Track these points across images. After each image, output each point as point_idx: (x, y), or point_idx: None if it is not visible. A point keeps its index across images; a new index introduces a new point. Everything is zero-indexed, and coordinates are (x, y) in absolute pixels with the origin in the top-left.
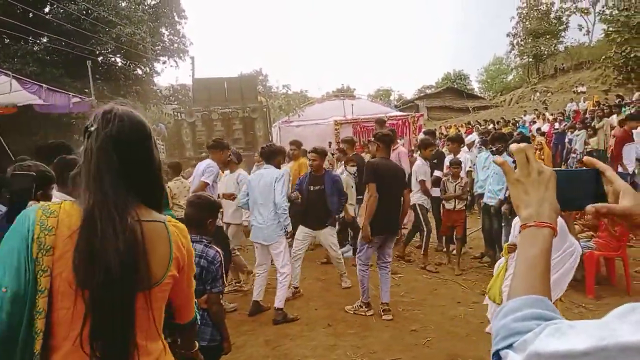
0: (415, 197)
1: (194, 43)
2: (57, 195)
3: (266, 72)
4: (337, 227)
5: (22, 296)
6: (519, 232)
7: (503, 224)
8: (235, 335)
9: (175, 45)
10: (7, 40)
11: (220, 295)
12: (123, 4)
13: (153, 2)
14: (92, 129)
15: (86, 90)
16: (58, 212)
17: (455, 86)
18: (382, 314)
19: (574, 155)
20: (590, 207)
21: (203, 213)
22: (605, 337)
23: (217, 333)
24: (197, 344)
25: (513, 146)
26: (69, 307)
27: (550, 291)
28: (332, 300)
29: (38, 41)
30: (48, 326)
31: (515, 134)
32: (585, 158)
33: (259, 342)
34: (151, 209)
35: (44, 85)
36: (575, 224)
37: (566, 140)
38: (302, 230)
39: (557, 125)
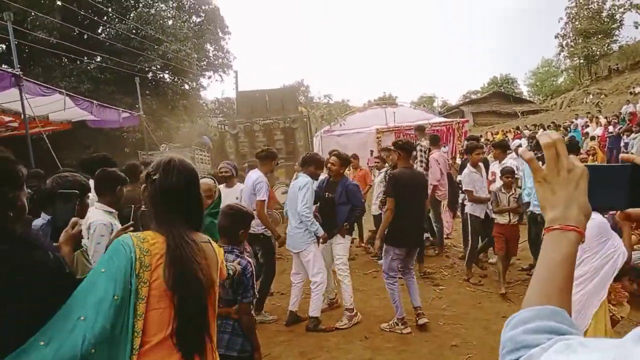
0: (467, 206)
1: (237, 57)
2: (96, 205)
3: (308, 83)
4: (347, 237)
5: (127, 302)
6: (543, 234)
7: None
8: (270, 346)
9: (220, 60)
10: (65, 60)
11: (251, 306)
12: (169, 22)
13: (198, 20)
14: (155, 177)
15: (137, 106)
16: (147, 239)
17: (502, 90)
18: (417, 318)
19: None
20: (619, 214)
21: (236, 224)
22: (617, 358)
23: (248, 344)
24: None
25: (542, 139)
26: (163, 307)
27: (570, 302)
28: (370, 312)
29: (92, 61)
30: (143, 326)
31: (567, 138)
32: (623, 154)
33: (294, 353)
34: (196, 230)
35: (95, 101)
36: (633, 234)
37: (622, 144)
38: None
39: (611, 128)
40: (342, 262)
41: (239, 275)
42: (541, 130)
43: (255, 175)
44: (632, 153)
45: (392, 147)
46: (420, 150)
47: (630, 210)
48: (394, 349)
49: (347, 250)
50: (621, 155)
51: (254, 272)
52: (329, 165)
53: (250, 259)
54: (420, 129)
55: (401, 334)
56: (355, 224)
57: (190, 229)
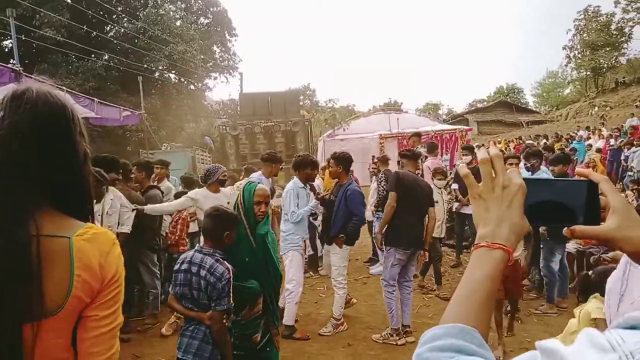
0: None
1: (243, 60)
2: None
3: (314, 87)
4: (345, 247)
5: None
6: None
7: (541, 246)
8: None
9: (226, 62)
10: (72, 58)
11: (225, 315)
12: (177, 23)
13: (206, 21)
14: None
15: (141, 105)
16: None
17: (508, 100)
18: (404, 335)
19: (630, 173)
20: (566, 230)
21: (220, 226)
22: None
23: (218, 352)
24: None
25: (479, 154)
26: None
27: (488, 321)
28: (357, 319)
29: (99, 59)
30: None
31: (569, 149)
32: (578, 169)
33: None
34: (71, 215)
35: (95, 99)
36: None
37: (622, 157)
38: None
39: (612, 141)
40: (339, 272)
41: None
42: (544, 140)
43: (255, 175)
44: (632, 166)
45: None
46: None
47: (575, 227)
48: (377, 356)
49: (344, 261)
50: (577, 169)
51: (230, 279)
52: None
53: (229, 266)
54: (416, 136)
55: (396, 345)
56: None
57: (45, 210)
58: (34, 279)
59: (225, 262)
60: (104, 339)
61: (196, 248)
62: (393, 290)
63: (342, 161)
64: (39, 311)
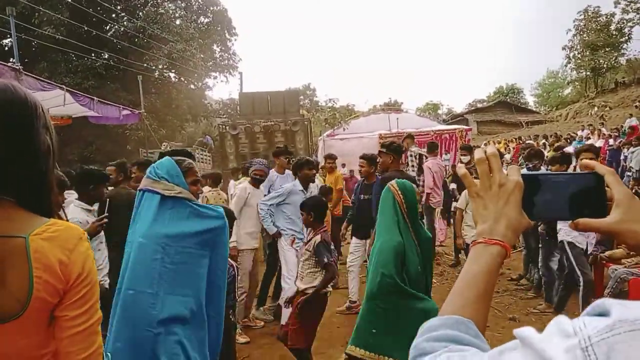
0: (562, 232)
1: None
2: (75, 203)
3: (314, 86)
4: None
5: None
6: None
7: (540, 245)
8: (252, 348)
9: (226, 61)
10: (72, 56)
11: (230, 310)
12: (177, 22)
13: (206, 20)
14: None
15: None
16: None
17: (508, 100)
18: None
19: (629, 173)
20: (570, 223)
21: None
22: None
23: (224, 346)
24: None
25: (476, 153)
26: None
27: (485, 314)
28: (355, 317)
29: (98, 58)
30: None
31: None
32: (583, 161)
33: (274, 357)
34: (32, 211)
35: (95, 98)
36: (620, 247)
37: (621, 157)
38: (353, 242)
39: (611, 141)
40: (357, 262)
41: None
42: (543, 140)
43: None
44: (630, 167)
45: (384, 150)
46: (411, 156)
47: (579, 220)
48: None
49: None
50: (583, 160)
51: (235, 276)
52: (359, 168)
53: (233, 263)
54: (409, 137)
55: None
56: None
57: (3, 204)
58: None
59: (228, 259)
60: (79, 338)
61: None
62: None
63: (395, 151)
64: None
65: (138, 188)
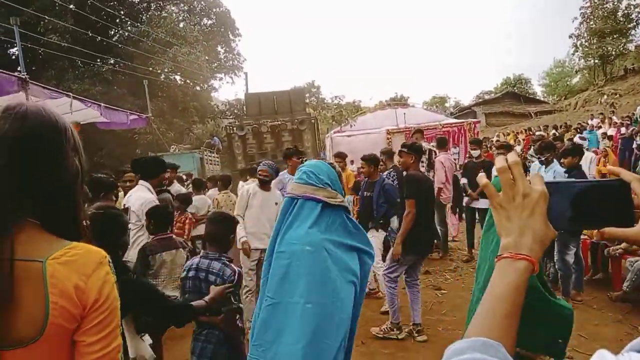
0: None
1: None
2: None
3: (319, 83)
4: (380, 231)
5: None
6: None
7: (555, 238)
8: None
9: (230, 62)
10: (78, 63)
11: (237, 315)
12: (180, 25)
13: (209, 22)
14: None
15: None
16: None
17: (516, 91)
18: (416, 335)
19: None
20: (596, 232)
21: (227, 231)
22: None
23: (233, 355)
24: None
25: (497, 162)
26: None
27: (514, 335)
28: (370, 317)
29: (104, 64)
30: None
31: (577, 140)
32: (609, 167)
33: None
34: (59, 234)
35: (102, 104)
36: None
37: (634, 145)
38: None
39: (623, 130)
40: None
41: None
42: (553, 130)
43: (282, 175)
44: None
45: (405, 150)
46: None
47: (605, 229)
48: (391, 355)
49: (379, 244)
50: (608, 166)
51: (240, 282)
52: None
53: (235, 268)
54: (418, 132)
55: (397, 339)
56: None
57: (26, 228)
58: (4, 307)
59: (232, 264)
60: None
61: (200, 254)
62: (396, 285)
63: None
64: (12, 339)
65: (289, 194)
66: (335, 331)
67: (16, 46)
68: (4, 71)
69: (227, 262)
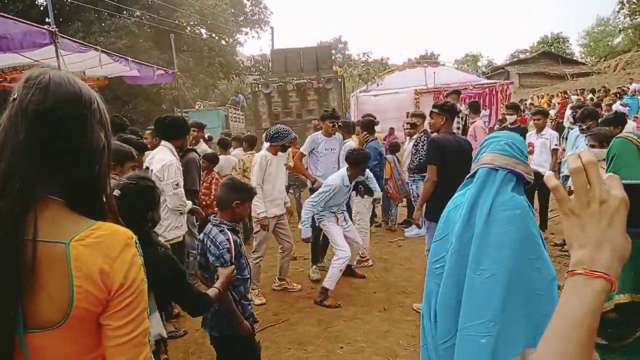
0: None
1: (274, 12)
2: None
3: (345, 39)
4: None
5: None
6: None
7: None
8: (290, 312)
9: (257, 15)
10: (105, 14)
11: (231, 282)
12: None
13: None
14: (12, 97)
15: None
16: None
17: (553, 50)
18: None
19: None
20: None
21: (230, 195)
22: None
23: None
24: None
25: (570, 161)
26: None
27: None
28: (392, 283)
29: (130, 16)
30: None
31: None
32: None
33: (312, 322)
34: (83, 213)
35: (129, 58)
36: None
37: None
38: (359, 201)
39: None
40: (361, 218)
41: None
42: (590, 94)
43: (316, 136)
44: None
45: (436, 110)
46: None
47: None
48: (413, 322)
49: (363, 208)
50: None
51: (231, 250)
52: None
53: (231, 236)
54: (455, 93)
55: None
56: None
57: (49, 205)
58: (27, 289)
59: (229, 232)
60: (124, 348)
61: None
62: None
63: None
64: (37, 322)
65: (486, 164)
66: (551, 290)
67: None
68: (35, 24)
69: (226, 230)
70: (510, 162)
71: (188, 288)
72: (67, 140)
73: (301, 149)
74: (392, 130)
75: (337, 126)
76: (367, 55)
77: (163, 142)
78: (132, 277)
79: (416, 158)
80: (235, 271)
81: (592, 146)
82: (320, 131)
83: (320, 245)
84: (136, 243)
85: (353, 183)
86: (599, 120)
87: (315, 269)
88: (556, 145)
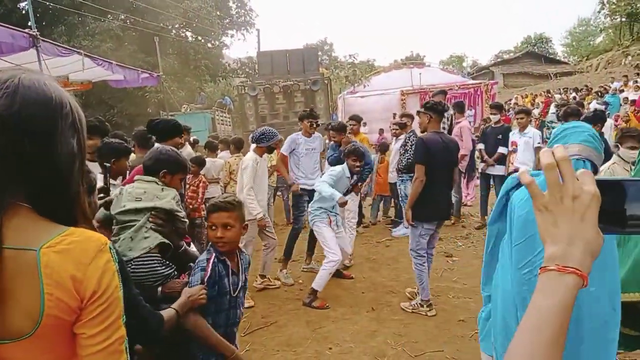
0: None
1: (260, 15)
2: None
3: (331, 41)
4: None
5: None
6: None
7: None
8: (278, 314)
9: (242, 18)
10: (89, 18)
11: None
12: None
13: None
14: None
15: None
16: None
17: (536, 50)
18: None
19: None
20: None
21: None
22: None
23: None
24: None
25: (543, 157)
26: None
27: (560, 359)
28: (380, 283)
29: (114, 20)
30: None
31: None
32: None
33: (301, 323)
34: (53, 219)
35: (113, 61)
36: None
37: None
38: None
39: None
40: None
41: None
42: (573, 94)
43: (293, 137)
44: None
45: (422, 110)
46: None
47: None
48: (400, 321)
49: (354, 206)
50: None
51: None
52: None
53: (219, 265)
54: (442, 93)
55: (426, 315)
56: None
57: (18, 210)
58: None
59: (213, 254)
60: (99, 357)
61: None
62: (423, 262)
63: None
64: (6, 332)
65: (575, 155)
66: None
67: (25, 0)
68: (15, 28)
69: (212, 251)
70: (593, 155)
71: (141, 306)
72: (34, 145)
73: (281, 150)
74: (381, 131)
75: (315, 125)
76: (354, 57)
77: (157, 145)
78: (106, 284)
79: (404, 158)
80: (205, 297)
81: None
82: (299, 132)
83: (309, 242)
84: (110, 249)
85: (353, 179)
86: (581, 119)
87: (286, 273)
88: (539, 143)
